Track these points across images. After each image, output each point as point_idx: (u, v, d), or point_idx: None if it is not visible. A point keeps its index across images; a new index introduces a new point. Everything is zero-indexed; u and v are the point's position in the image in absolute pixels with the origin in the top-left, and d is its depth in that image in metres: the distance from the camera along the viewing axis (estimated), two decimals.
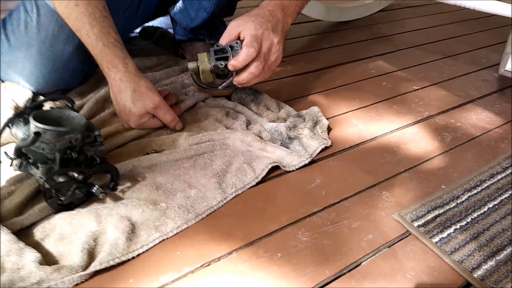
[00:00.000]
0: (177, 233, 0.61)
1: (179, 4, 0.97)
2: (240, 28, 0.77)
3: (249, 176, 0.71)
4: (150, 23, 1.18)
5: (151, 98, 0.77)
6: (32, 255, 0.53)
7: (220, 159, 0.74)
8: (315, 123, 0.85)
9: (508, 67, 1.09)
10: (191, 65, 0.80)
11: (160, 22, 1.27)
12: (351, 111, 0.96)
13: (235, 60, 0.76)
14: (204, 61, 0.78)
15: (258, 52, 0.76)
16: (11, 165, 0.63)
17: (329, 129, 0.87)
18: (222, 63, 0.77)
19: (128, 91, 0.76)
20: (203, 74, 0.79)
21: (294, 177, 0.74)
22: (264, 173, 0.72)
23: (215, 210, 0.65)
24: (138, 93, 0.76)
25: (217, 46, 0.78)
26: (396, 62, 1.23)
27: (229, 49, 0.77)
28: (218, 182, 0.69)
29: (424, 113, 0.98)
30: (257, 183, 0.71)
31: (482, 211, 0.70)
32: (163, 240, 0.59)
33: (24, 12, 0.83)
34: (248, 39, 0.75)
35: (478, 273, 0.59)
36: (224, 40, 0.79)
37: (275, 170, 0.74)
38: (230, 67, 0.77)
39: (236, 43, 0.78)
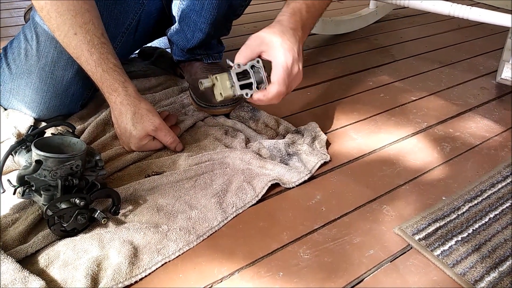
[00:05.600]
0: (179, 255, 0.61)
1: (175, 26, 0.99)
2: (264, 48, 0.71)
3: (249, 195, 0.71)
4: (148, 44, 1.20)
5: (151, 120, 0.78)
6: (36, 283, 0.53)
7: (220, 179, 0.75)
8: (314, 138, 0.86)
9: (505, 75, 1.09)
10: (206, 83, 0.71)
11: (158, 42, 1.29)
12: (350, 124, 0.97)
13: (264, 95, 0.71)
14: (227, 88, 0.70)
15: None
16: (14, 193, 0.64)
17: (328, 143, 0.87)
18: (248, 92, 0.70)
19: (128, 114, 0.77)
20: (224, 99, 0.72)
21: (294, 194, 0.74)
22: (264, 191, 0.72)
23: (216, 231, 0.66)
24: (138, 116, 0.77)
25: (238, 66, 0.70)
26: (394, 73, 1.24)
27: (251, 71, 0.70)
28: (219, 202, 0.70)
29: (423, 124, 0.98)
30: (258, 201, 0.72)
31: (483, 222, 0.70)
32: (165, 263, 0.60)
33: (24, 40, 0.85)
34: (280, 73, 0.69)
35: (481, 285, 0.59)
36: (243, 57, 0.72)
37: (275, 188, 0.75)
38: (255, 99, 0.71)
39: (258, 62, 0.71)
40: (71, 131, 0.73)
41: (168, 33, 1.02)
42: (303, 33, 0.75)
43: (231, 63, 0.73)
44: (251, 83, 0.71)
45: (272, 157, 0.80)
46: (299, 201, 0.73)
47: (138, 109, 0.77)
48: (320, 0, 0.78)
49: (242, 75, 0.71)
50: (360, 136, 0.93)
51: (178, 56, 1.05)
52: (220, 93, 0.71)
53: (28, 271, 0.54)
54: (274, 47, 0.70)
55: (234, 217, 0.68)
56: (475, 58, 1.38)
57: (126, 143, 0.80)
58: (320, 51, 1.38)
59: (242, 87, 0.70)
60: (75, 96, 0.89)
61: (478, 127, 0.98)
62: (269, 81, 0.72)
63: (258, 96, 0.72)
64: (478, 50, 1.44)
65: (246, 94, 0.71)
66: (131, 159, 0.78)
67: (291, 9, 0.76)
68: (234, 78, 0.70)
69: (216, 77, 0.70)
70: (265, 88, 0.71)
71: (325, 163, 0.81)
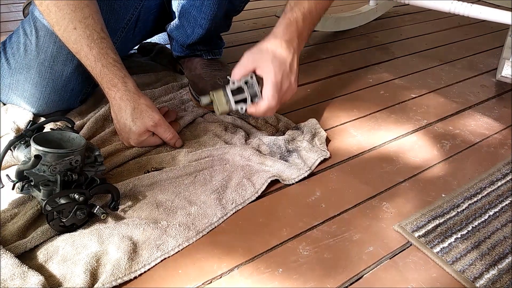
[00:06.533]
0: (179, 251, 0.61)
1: (175, 21, 0.98)
2: (256, 64, 0.75)
3: (249, 191, 0.71)
4: (148, 40, 1.20)
5: (151, 116, 0.78)
6: (35, 278, 0.53)
7: (220, 175, 0.74)
8: (313, 135, 0.86)
9: (505, 73, 1.09)
10: (204, 100, 0.77)
11: (158, 38, 1.29)
12: (350, 121, 0.97)
13: (256, 109, 0.75)
14: (222, 103, 0.75)
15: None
16: (13, 188, 0.63)
17: (327, 140, 0.87)
18: (243, 107, 0.75)
19: (128, 110, 0.77)
20: (221, 114, 0.78)
21: (293, 191, 0.74)
22: (264, 187, 0.72)
23: (215, 227, 0.66)
24: (138, 111, 0.77)
25: (233, 83, 0.74)
26: (393, 70, 1.24)
27: (245, 86, 0.74)
28: (218, 198, 0.70)
29: (422, 121, 0.98)
30: (257, 198, 0.71)
31: (483, 219, 0.70)
32: (165, 258, 0.60)
33: (23, 35, 0.85)
34: (269, 89, 0.73)
35: (480, 282, 0.59)
36: (237, 74, 0.75)
37: (274, 184, 0.75)
38: (248, 113, 0.76)
39: (251, 78, 0.75)
40: (70, 126, 0.73)
41: (168, 29, 1.02)
42: (299, 43, 0.77)
43: (229, 78, 0.76)
44: (245, 98, 0.74)
45: (271, 153, 0.80)
46: (299, 197, 0.73)
47: (137, 105, 0.77)
48: (316, 8, 0.78)
49: (237, 91, 0.74)
50: (360, 133, 0.92)
51: (178, 52, 1.04)
52: (217, 108, 0.75)
53: (27, 266, 0.54)
54: (265, 64, 0.73)
55: (233, 213, 0.68)
56: (475, 56, 1.38)
57: (125, 138, 0.80)
58: (320, 48, 1.38)
59: (237, 101, 0.74)
60: (75, 92, 0.88)
61: (478, 124, 0.98)
62: (262, 95, 0.75)
63: (251, 110, 0.75)
64: (478, 48, 1.44)
65: (241, 109, 0.75)
66: (131, 154, 0.78)
67: (287, 19, 0.76)
68: (229, 95, 0.74)
69: (212, 94, 0.74)
70: (257, 102, 0.74)
71: (325, 160, 0.81)
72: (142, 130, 0.78)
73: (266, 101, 0.74)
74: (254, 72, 0.75)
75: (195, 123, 0.91)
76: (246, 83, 0.74)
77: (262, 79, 0.75)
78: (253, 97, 0.75)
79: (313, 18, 0.79)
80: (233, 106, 0.74)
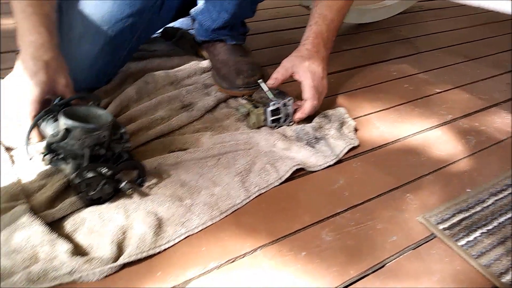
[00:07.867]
0: (202, 229, 0.61)
1: (201, 5, 0.98)
2: (295, 70, 0.86)
3: (272, 177, 0.71)
4: (170, 24, 1.20)
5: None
6: (64, 245, 0.54)
7: (243, 159, 0.74)
8: (342, 124, 0.85)
9: None
10: (242, 110, 0.86)
11: (180, 23, 1.28)
12: (373, 113, 0.96)
13: (302, 113, 0.84)
14: (260, 121, 0.84)
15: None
16: (42, 160, 0.64)
17: (355, 130, 0.87)
18: (277, 125, 0.85)
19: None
20: (255, 127, 0.84)
21: (317, 178, 0.74)
22: (288, 174, 0.72)
23: (238, 208, 0.66)
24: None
25: (273, 104, 0.83)
26: (417, 64, 1.23)
27: (283, 108, 0.84)
28: (242, 181, 0.70)
29: (447, 116, 0.97)
30: (280, 183, 0.71)
31: (508, 216, 0.69)
32: (189, 236, 0.60)
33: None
34: (309, 91, 0.84)
35: (507, 278, 0.59)
36: (281, 74, 0.86)
37: (298, 170, 0.74)
38: (296, 119, 0.85)
39: (289, 100, 0.84)
40: (97, 103, 0.73)
41: (193, 12, 1.02)
42: (326, 51, 0.88)
43: (261, 84, 0.88)
44: (280, 118, 0.85)
45: (298, 139, 0.80)
46: (322, 184, 0.73)
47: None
48: (339, 15, 0.88)
49: (275, 110, 0.84)
50: (384, 125, 0.92)
51: (202, 36, 1.04)
52: (254, 123, 0.84)
53: (56, 234, 0.55)
54: (302, 71, 0.85)
55: (256, 196, 0.68)
56: (501, 54, 1.36)
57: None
58: (343, 39, 1.36)
59: (274, 123, 0.84)
60: (100, 72, 0.89)
61: (504, 122, 0.97)
62: (294, 114, 0.86)
63: (298, 116, 0.85)
64: (504, 46, 1.41)
65: (275, 126, 0.84)
66: (154, 134, 0.78)
67: (313, 33, 0.88)
68: (268, 115, 0.83)
69: (253, 110, 0.84)
70: (291, 121, 0.86)
71: (348, 150, 0.80)
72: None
73: (309, 102, 0.84)
74: (291, 76, 0.87)
75: (218, 107, 0.91)
76: (284, 104, 0.84)
77: (299, 83, 0.85)
78: (286, 117, 0.85)
79: (335, 27, 0.89)
80: (269, 123, 0.84)
